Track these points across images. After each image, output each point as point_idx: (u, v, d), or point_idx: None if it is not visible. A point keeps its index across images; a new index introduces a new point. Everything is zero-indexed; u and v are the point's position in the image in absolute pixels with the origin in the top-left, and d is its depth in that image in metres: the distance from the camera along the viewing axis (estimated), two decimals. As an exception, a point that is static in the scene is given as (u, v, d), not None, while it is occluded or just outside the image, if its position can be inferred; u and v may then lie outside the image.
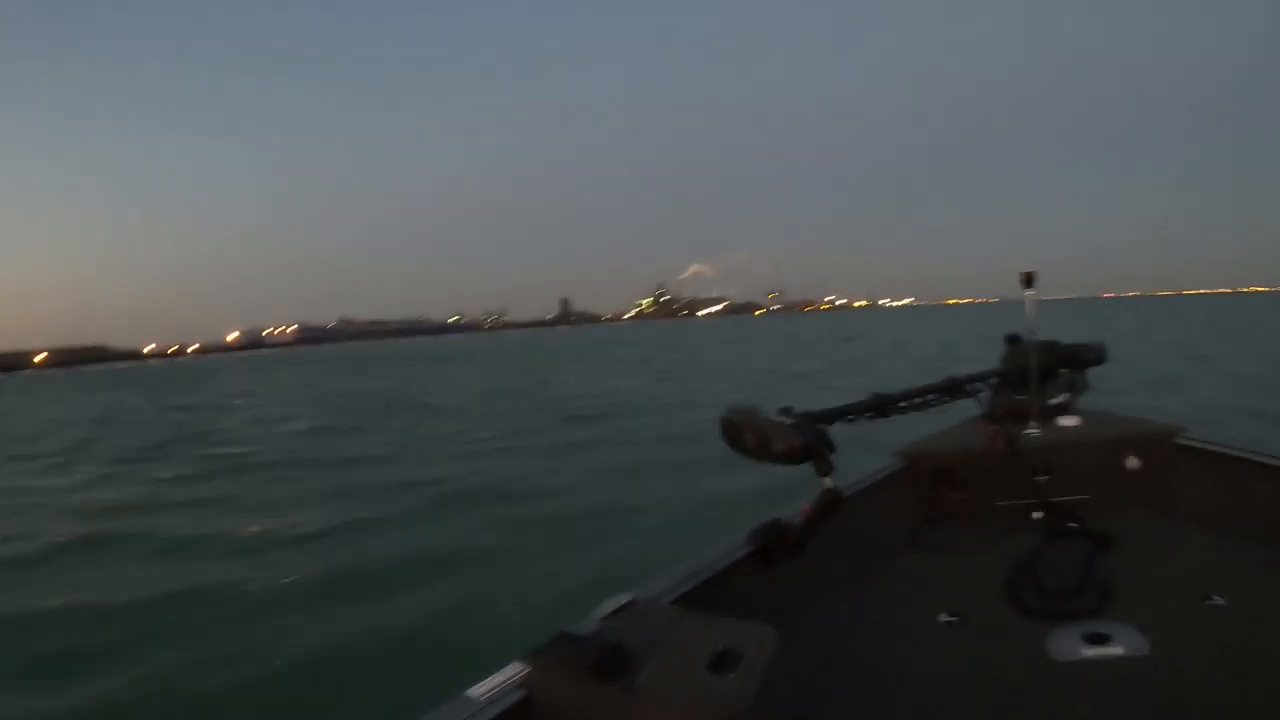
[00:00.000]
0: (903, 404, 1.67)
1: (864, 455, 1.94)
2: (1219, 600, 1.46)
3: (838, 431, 1.50)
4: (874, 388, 1.71)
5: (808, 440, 1.35)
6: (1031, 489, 1.83)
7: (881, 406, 1.63)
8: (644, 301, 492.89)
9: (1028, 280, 1.93)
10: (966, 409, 1.98)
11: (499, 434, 10.63)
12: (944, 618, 1.54)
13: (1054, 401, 2.06)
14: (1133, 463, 1.94)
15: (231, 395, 25.26)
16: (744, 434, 1.40)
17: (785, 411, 1.43)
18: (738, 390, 14.54)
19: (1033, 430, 1.99)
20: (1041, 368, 1.99)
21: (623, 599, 1.24)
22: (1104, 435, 1.98)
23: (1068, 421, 2.04)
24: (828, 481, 1.43)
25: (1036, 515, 1.80)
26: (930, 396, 1.74)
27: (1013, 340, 2.07)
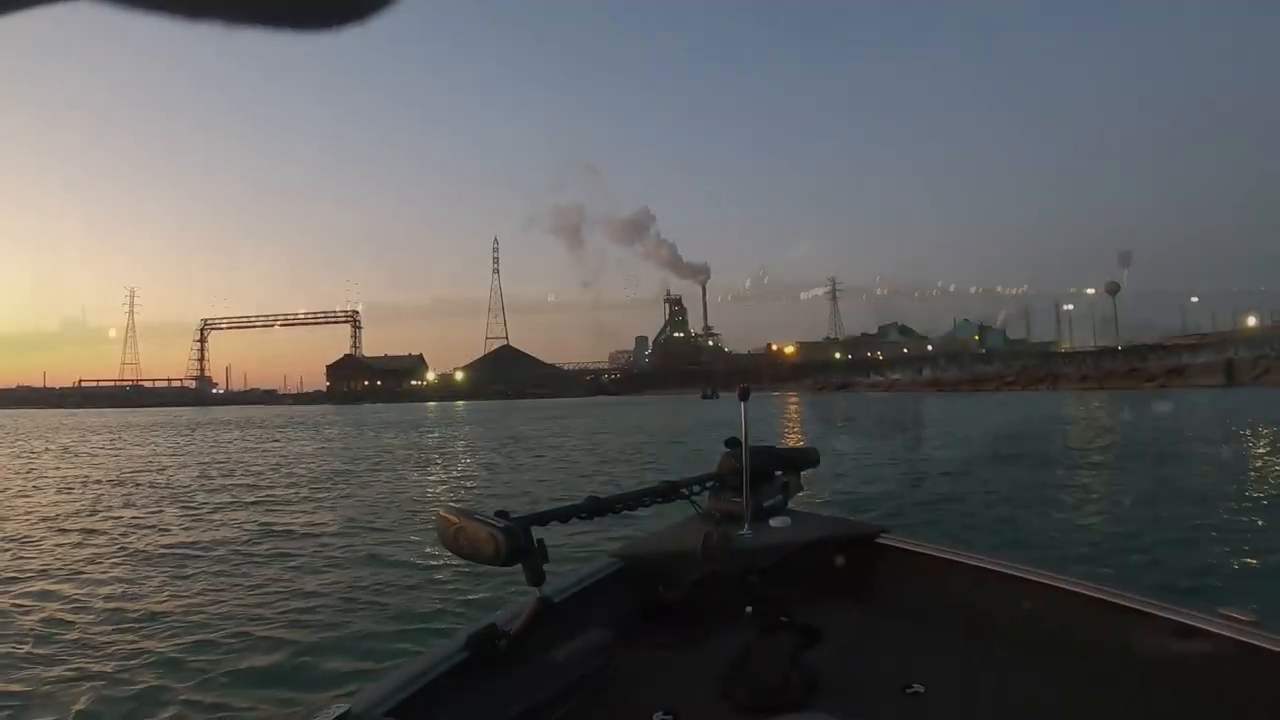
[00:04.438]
0: (619, 506, 1.86)
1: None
2: (918, 688, 1.61)
3: (553, 532, 1.66)
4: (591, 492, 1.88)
5: (518, 544, 1.50)
6: (744, 587, 2.01)
7: (597, 509, 1.81)
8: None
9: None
10: (684, 510, 2.18)
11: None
12: (658, 717, 1.68)
13: (767, 503, 2.30)
14: (839, 560, 2.16)
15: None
16: (457, 535, 1.54)
17: (500, 514, 1.57)
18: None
19: (745, 531, 2.20)
20: (755, 470, 2.22)
21: (335, 711, 1.28)
22: (812, 535, 2.20)
23: (778, 522, 2.25)
24: (537, 591, 1.59)
25: (749, 611, 1.97)
26: (645, 499, 1.92)
27: (730, 445, 2.29)
